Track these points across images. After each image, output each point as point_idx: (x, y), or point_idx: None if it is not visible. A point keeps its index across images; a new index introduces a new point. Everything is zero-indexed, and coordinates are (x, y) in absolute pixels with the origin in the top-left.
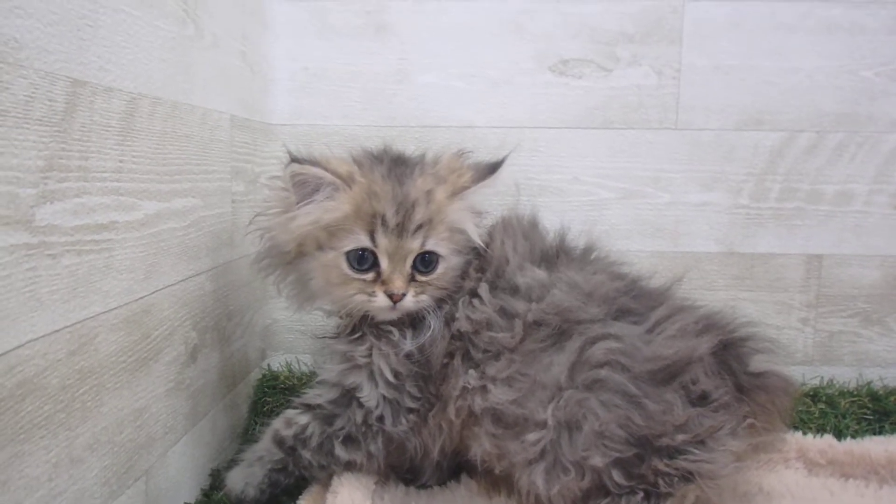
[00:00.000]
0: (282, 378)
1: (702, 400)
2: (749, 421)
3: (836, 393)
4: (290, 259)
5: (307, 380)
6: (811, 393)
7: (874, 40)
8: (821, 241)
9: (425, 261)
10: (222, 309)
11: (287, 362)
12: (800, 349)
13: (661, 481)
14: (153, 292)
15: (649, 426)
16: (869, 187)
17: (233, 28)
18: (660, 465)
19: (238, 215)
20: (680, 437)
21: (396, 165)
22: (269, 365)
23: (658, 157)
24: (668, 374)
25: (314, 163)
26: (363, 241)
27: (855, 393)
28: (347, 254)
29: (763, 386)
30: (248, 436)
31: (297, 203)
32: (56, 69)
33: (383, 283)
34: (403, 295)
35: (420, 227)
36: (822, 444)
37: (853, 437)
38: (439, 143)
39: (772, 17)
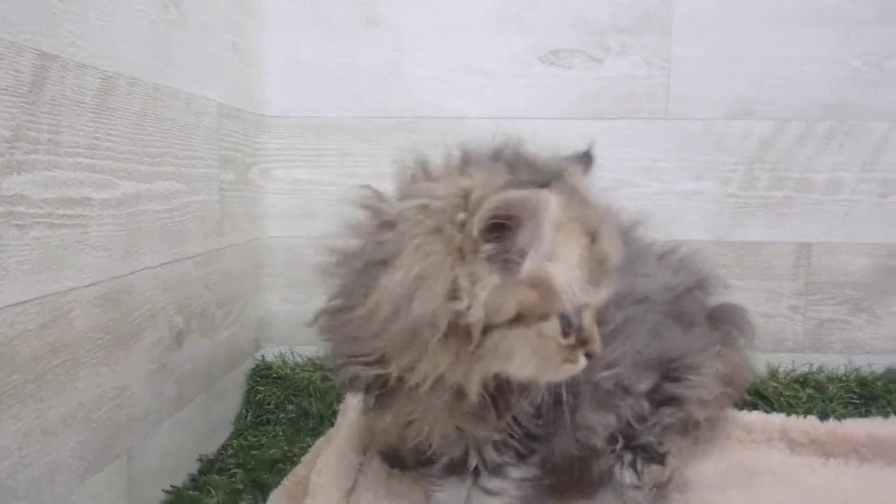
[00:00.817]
0: (275, 368)
1: (690, 327)
2: (717, 347)
3: (825, 379)
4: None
5: (301, 370)
6: (800, 379)
7: (863, 30)
8: (810, 230)
9: None
10: (210, 296)
11: (281, 353)
12: (790, 337)
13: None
14: (133, 272)
15: (669, 353)
16: (857, 176)
17: (222, 17)
18: (669, 388)
19: (227, 204)
20: (689, 360)
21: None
22: (263, 356)
23: (648, 147)
24: (673, 304)
25: (516, 184)
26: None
27: (843, 378)
28: (563, 317)
29: (722, 315)
30: (239, 423)
31: (486, 254)
32: (22, 40)
33: (583, 342)
34: None
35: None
36: (805, 424)
37: (838, 420)
38: (431, 134)
39: (762, 7)
